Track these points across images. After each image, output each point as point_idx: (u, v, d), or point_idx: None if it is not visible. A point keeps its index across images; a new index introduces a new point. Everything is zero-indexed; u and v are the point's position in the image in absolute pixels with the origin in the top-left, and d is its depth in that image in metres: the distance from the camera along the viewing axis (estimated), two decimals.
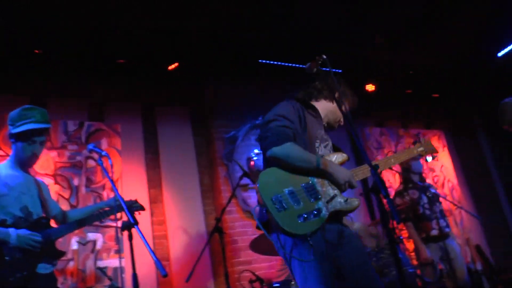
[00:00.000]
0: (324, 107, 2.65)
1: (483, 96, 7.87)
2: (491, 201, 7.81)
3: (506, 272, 6.06)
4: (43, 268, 2.70)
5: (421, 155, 2.94)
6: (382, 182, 2.05)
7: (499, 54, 6.85)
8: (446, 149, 7.71)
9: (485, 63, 7.00)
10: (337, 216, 2.29)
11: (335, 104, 2.60)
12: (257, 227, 2.26)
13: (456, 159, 7.84)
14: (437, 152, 3.01)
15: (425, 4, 5.45)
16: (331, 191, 2.29)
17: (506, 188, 7.89)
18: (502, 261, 7.16)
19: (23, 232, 2.63)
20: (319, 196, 2.25)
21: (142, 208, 3.32)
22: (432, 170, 7.42)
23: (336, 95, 2.53)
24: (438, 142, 7.68)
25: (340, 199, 2.29)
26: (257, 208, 2.24)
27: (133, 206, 3.27)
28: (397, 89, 7.04)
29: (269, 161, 2.32)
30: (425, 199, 4.68)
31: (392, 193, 5.08)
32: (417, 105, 7.65)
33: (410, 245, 5.38)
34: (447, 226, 4.69)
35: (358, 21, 5.44)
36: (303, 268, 2.16)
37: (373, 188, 2.16)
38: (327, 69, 2.37)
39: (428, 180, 6.53)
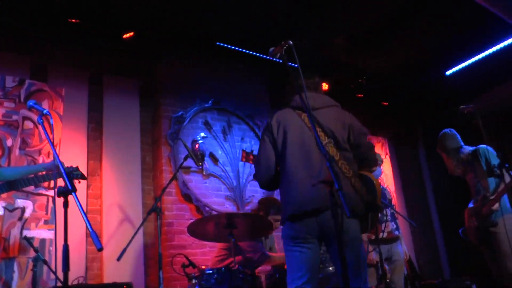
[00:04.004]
0: None
1: (428, 110, 8.20)
2: (422, 210, 8.17)
3: (427, 279, 6.37)
4: None
5: None
6: (336, 174, 2.04)
7: (447, 73, 7.14)
8: (388, 156, 7.94)
9: (433, 79, 7.26)
10: None
11: None
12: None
13: (396, 167, 8.10)
14: None
15: (384, 13, 5.55)
16: None
17: (437, 200, 8.29)
18: (425, 268, 7.53)
19: None
20: None
21: (83, 176, 3.15)
22: None
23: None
24: (381, 149, 7.90)
25: None
26: None
27: (74, 173, 3.09)
28: (348, 91, 7.16)
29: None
30: None
31: None
32: (365, 110, 7.82)
33: None
34: (397, 229, 4.82)
35: (319, 18, 5.46)
36: None
37: (326, 181, 2.15)
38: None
39: None
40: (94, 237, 1.90)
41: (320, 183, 2.34)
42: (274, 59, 2.54)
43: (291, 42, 2.39)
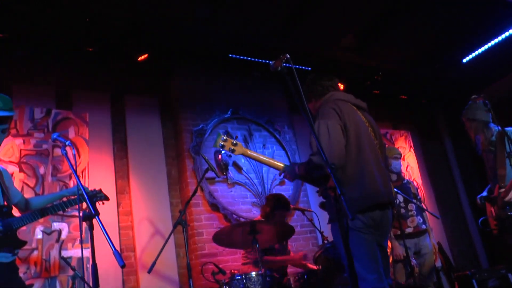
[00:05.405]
0: None
1: (448, 99, 8.12)
2: (452, 201, 8.09)
3: (463, 270, 6.28)
4: (3, 257, 2.70)
5: None
6: (338, 180, 2.14)
7: (464, 60, 7.08)
8: (412, 149, 7.90)
9: (450, 68, 7.20)
10: None
11: None
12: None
13: (421, 160, 8.05)
14: None
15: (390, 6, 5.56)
16: None
17: (467, 189, 8.17)
18: (459, 259, 7.44)
19: None
20: None
21: (106, 198, 3.33)
22: None
23: None
24: (405, 143, 7.87)
25: None
26: None
27: (97, 196, 3.27)
28: (365, 89, 7.17)
29: None
30: (400, 198, 4.80)
31: None
32: (385, 106, 7.81)
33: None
34: (424, 222, 4.83)
35: (326, 20, 5.53)
36: None
37: (330, 187, 2.26)
38: (290, 66, 2.47)
39: None
40: (116, 255, 2.06)
41: (327, 189, 2.47)
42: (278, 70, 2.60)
43: (288, 56, 2.50)
